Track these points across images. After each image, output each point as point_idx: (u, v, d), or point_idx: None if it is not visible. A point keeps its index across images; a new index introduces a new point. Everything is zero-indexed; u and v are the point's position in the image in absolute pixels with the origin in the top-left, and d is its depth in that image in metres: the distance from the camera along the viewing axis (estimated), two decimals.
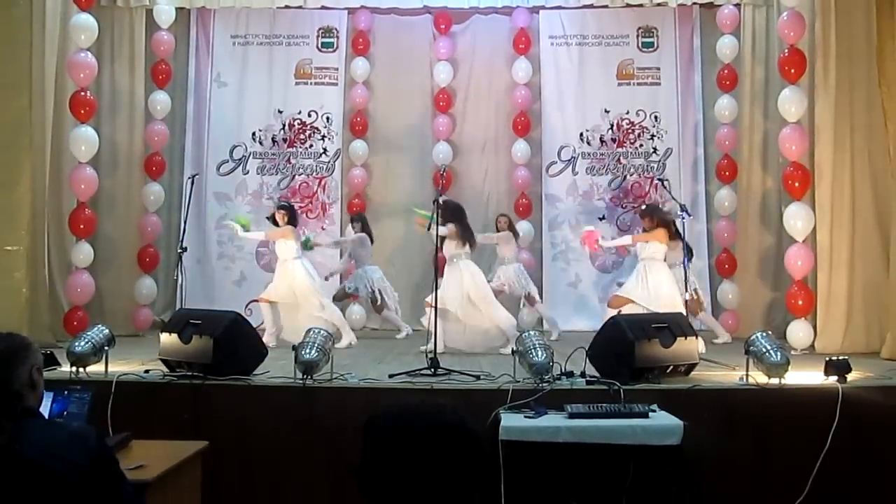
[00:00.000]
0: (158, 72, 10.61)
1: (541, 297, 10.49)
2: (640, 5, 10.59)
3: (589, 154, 11.21)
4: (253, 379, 6.08)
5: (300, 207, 11.04)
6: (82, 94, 9.11)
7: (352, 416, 5.36)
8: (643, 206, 9.45)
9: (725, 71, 10.47)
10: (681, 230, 8.56)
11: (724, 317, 10.17)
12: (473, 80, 11.50)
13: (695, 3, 10.73)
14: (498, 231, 9.82)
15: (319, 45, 11.41)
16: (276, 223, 8.90)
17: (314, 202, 11.23)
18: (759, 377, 5.95)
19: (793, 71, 8.49)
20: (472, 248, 8.57)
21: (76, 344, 6.14)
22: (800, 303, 8.42)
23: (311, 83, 11.39)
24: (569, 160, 11.21)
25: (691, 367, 6.29)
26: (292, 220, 8.90)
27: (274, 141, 11.28)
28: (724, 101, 10.44)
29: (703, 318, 9.31)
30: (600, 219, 10.67)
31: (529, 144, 11.13)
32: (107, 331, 6.35)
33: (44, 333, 8.30)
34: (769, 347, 5.96)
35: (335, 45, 11.42)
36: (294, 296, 8.62)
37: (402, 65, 11.47)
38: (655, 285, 8.24)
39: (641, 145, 11.18)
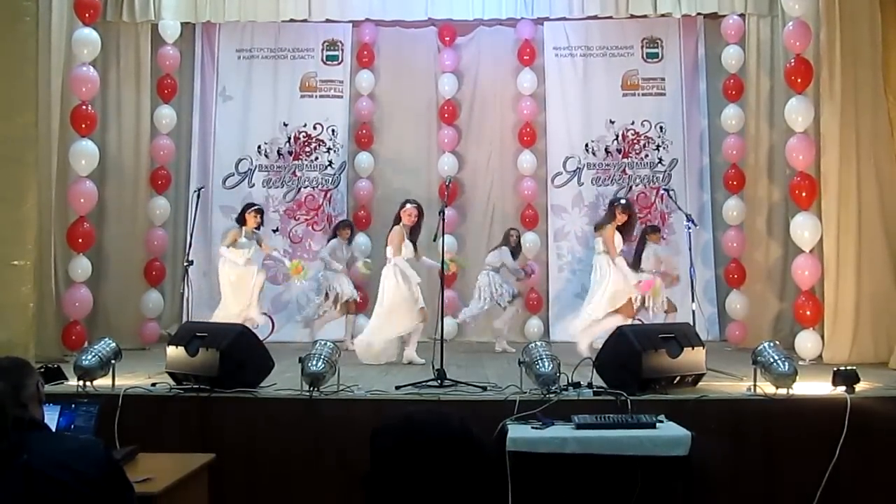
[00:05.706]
0: (164, 86, 10.65)
1: (547, 308, 10.48)
2: (645, 16, 10.55)
3: (594, 165, 11.21)
4: (259, 391, 6.08)
5: (306, 220, 11.10)
6: (84, 107, 9.11)
7: (359, 428, 5.30)
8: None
9: (732, 80, 10.47)
10: (688, 241, 8.63)
11: (732, 327, 10.14)
12: (478, 91, 11.49)
13: (699, 14, 10.68)
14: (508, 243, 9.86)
15: (324, 58, 11.44)
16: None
17: (320, 214, 11.23)
18: (766, 387, 5.94)
19: (799, 80, 8.47)
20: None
21: (83, 358, 6.13)
22: (808, 313, 8.35)
23: (316, 96, 11.41)
24: (574, 171, 11.21)
25: (698, 377, 6.28)
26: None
27: (279, 154, 11.30)
28: (730, 111, 10.44)
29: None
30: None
31: (535, 155, 11.13)
32: (113, 344, 6.34)
33: (51, 347, 8.31)
34: (777, 358, 5.94)
35: (340, 58, 11.45)
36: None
37: (407, 77, 11.48)
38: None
39: (647, 156, 11.18)
